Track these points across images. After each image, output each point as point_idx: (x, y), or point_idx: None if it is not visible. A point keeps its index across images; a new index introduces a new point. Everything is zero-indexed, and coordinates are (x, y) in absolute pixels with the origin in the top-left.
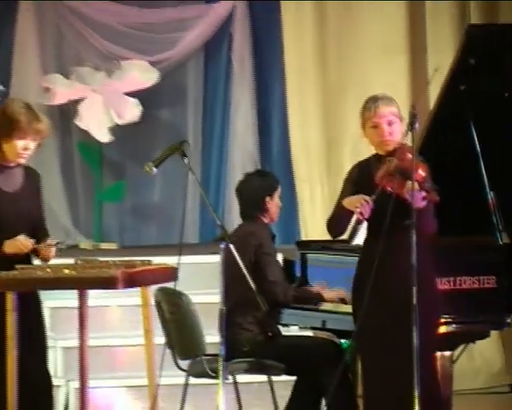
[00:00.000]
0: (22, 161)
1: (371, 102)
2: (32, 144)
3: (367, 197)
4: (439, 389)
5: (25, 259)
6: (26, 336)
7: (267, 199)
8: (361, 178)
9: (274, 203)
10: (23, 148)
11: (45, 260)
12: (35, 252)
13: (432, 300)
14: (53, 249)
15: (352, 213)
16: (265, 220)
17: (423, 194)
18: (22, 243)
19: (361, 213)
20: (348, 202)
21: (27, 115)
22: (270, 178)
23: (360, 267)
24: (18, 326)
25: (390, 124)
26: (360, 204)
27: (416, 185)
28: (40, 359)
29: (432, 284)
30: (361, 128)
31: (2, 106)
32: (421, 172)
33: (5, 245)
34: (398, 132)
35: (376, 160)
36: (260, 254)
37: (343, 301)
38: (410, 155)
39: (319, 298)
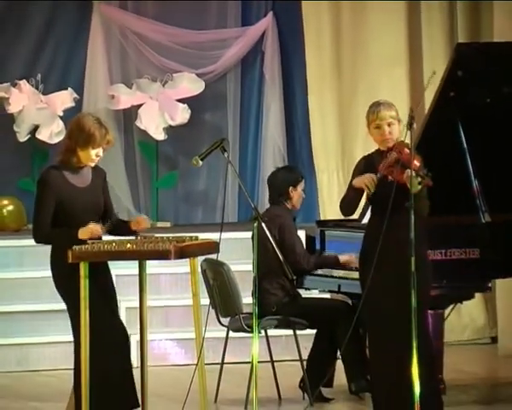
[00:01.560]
0: (93, 164)
1: (374, 107)
2: (101, 152)
3: (373, 175)
4: (430, 340)
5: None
6: (104, 296)
7: (291, 189)
8: (366, 169)
9: (297, 193)
10: (95, 155)
11: (137, 231)
12: (121, 229)
13: (425, 267)
14: (145, 222)
15: (360, 193)
16: (288, 206)
17: (419, 179)
18: (93, 229)
19: (367, 188)
20: (358, 180)
21: (100, 130)
22: (296, 172)
23: (366, 242)
24: (97, 289)
25: (390, 125)
26: (367, 180)
27: (414, 173)
28: (117, 313)
29: (425, 255)
30: (366, 128)
31: (76, 120)
32: (417, 163)
33: (80, 232)
34: (396, 132)
35: (378, 154)
36: (284, 232)
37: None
38: (407, 150)
39: (335, 260)
